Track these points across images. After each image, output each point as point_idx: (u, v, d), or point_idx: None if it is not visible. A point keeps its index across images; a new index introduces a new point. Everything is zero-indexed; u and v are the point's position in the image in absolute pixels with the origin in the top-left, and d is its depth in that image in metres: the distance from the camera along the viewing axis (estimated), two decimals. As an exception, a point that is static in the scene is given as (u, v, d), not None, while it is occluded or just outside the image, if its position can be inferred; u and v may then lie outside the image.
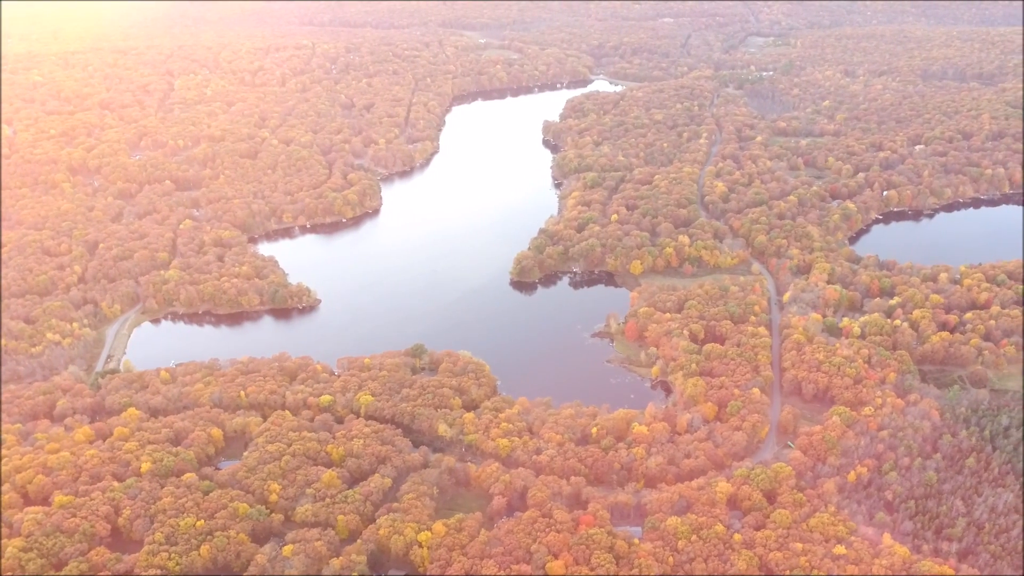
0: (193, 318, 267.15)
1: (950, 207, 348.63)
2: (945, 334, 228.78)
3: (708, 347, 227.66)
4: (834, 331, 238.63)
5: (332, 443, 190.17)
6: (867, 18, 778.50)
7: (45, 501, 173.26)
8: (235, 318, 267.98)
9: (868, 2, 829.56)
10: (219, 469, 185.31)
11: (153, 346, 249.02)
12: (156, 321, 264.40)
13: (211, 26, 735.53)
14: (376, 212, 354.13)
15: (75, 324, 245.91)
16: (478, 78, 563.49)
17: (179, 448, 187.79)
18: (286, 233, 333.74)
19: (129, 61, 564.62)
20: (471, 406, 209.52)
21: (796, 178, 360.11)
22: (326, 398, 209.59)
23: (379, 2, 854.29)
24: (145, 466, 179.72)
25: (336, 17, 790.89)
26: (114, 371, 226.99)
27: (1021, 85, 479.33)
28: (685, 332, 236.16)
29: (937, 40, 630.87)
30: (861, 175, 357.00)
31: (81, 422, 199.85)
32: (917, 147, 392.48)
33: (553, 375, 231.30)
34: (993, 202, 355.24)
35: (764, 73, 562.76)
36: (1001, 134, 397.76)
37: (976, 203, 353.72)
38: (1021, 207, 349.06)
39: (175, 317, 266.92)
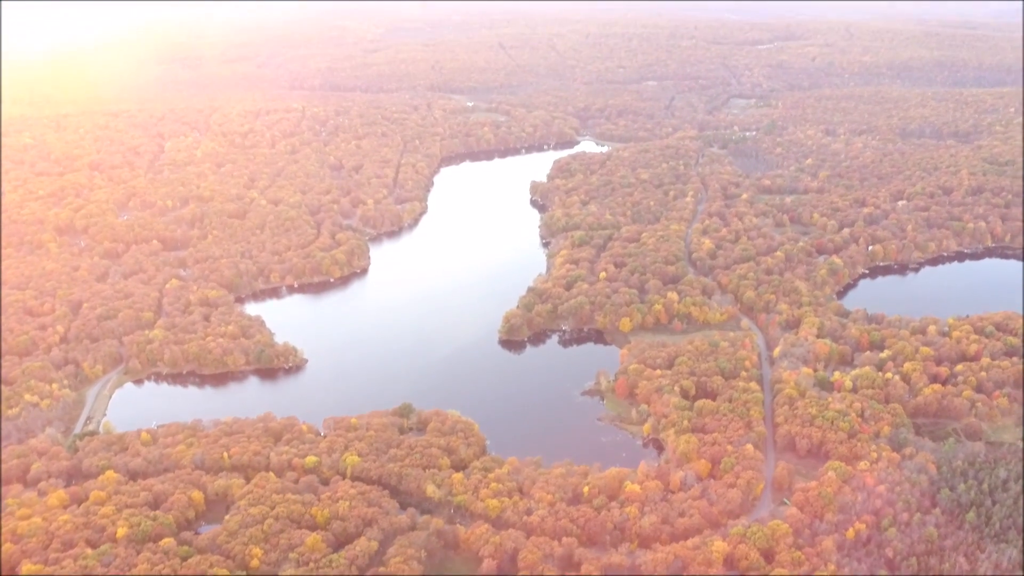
0: (177, 379, 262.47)
1: (935, 260, 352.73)
2: (937, 386, 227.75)
3: (700, 403, 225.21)
4: (826, 385, 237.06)
5: (317, 505, 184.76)
6: (845, 80, 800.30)
7: (13, 571, 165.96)
8: (220, 379, 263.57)
9: (845, 65, 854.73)
10: (199, 533, 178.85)
11: (135, 407, 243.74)
12: (139, 382, 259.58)
13: (203, 90, 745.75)
14: (364, 272, 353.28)
15: (55, 385, 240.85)
16: (466, 140, 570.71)
17: (157, 512, 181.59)
18: (273, 293, 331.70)
19: (121, 123, 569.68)
20: (460, 466, 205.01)
21: (782, 234, 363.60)
22: (311, 459, 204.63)
23: (368, 67, 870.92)
24: (121, 531, 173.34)
25: (326, 81, 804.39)
26: (93, 433, 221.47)
27: (996, 143, 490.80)
28: (676, 388, 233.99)
29: (913, 100, 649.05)
30: (846, 230, 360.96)
31: (56, 486, 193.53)
32: (900, 202, 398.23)
33: (543, 434, 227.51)
34: (976, 255, 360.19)
35: (747, 133, 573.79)
36: (980, 189, 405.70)
37: (960, 256, 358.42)
38: (1004, 260, 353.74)
39: (158, 378, 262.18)
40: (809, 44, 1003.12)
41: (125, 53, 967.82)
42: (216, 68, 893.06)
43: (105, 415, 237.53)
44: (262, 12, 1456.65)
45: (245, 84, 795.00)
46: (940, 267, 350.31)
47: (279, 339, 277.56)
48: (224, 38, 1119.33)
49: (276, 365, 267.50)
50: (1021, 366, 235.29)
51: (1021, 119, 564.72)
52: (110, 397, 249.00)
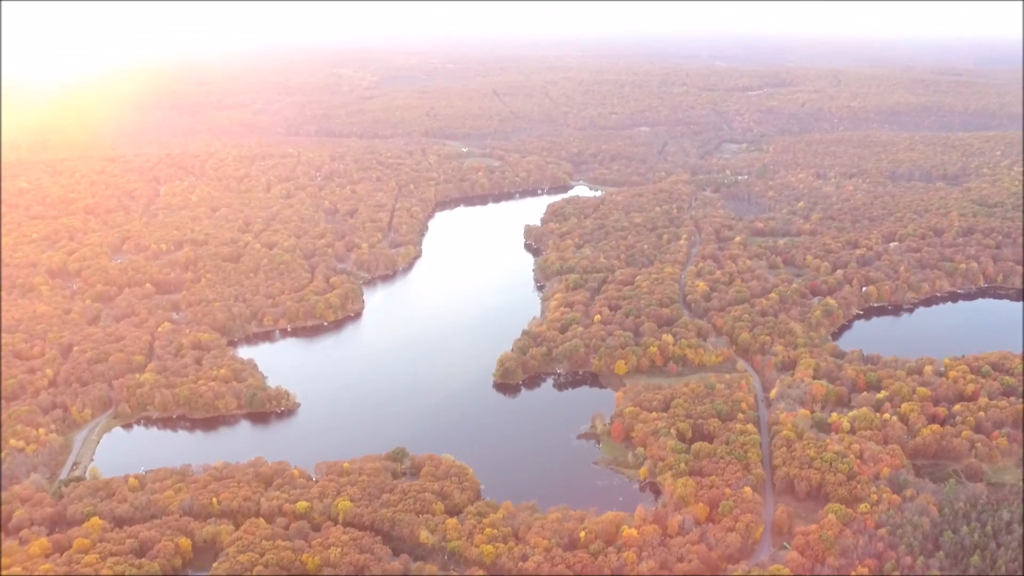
0: (167, 423, 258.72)
1: (928, 301, 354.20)
2: (936, 427, 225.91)
3: (696, 446, 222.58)
4: (823, 427, 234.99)
5: (308, 552, 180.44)
6: (834, 125, 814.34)
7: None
8: (211, 423, 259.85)
9: (834, 110, 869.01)
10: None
11: (123, 452, 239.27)
12: (128, 426, 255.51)
13: (200, 135, 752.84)
14: (358, 315, 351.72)
15: (41, 430, 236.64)
16: (460, 184, 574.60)
17: (143, 560, 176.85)
18: (266, 336, 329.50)
19: (117, 168, 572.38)
20: (454, 511, 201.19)
21: (776, 276, 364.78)
22: (302, 504, 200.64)
23: (364, 113, 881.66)
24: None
25: (322, 128, 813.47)
26: (79, 479, 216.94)
27: (984, 185, 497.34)
28: (672, 431, 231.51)
29: (901, 144, 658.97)
30: (839, 272, 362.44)
31: (39, 534, 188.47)
32: (892, 244, 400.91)
33: (538, 478, 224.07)
34: (970, 295, 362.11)
35: (739, 177, 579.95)
36: (971, 230, 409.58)
37: (953, 297, 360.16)
38: (997, 300, 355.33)
39: (148, 422, 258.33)
40: (798, 90, 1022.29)
41: (123, 95, 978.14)
42: (213, 114, 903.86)
43: (92, 460, 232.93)
44: (260, 61, 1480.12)
45: (242, 130, 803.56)
46: (934, 307, 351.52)
47: (272, 383, 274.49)
48: (221, 85, 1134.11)
49: (268, 409, 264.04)
50: (1019, 406, 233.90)
51: (1008, 162, 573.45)
52: (98, 442, 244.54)
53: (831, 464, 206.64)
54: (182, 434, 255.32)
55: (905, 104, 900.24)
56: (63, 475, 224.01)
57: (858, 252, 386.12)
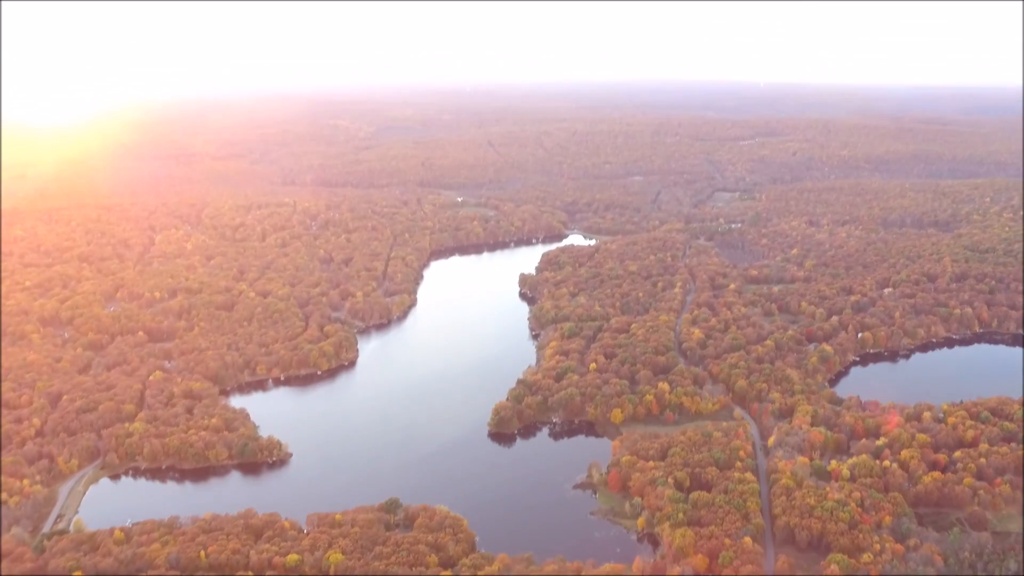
0: (156, 473, 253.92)
1: (924, 347, 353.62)
2: (937, 474, 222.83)
3: (695, 495, 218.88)
4: (823, 474, 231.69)
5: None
6: (825, 173, 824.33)
7: None
8: (201, 473, 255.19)
9: (825, 159, 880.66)
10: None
11: (110, 504, 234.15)
12: (115, 477, 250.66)
13: (196, 185, 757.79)
14: (352, 364, 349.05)
15: (26, 481, 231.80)
16: (455, 233, 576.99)
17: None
18: (259, 385, 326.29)
19: (113, 216, 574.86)
20: (448, 564, 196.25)
21: (771, 323, 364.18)
22: (293, 557, 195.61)
23: (360, 163, 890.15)
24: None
25: (318, 177, 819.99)
26: (63, 532, 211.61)
27: (975, 231, 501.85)
28: (670, 480, 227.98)
29: (892, 192, 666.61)
30: (835, 318, 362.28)
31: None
32: (886, 290, 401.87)
33: (534, 529, 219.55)
34: (965, 341, 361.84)
35: (733, 225, 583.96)
36: (964, 276, 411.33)
37: (949, 342, 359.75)
38: (993, 345, 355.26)
39: (136, 473, 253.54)
40: (789, 140, 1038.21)
41: (121, 143, 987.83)
42: (210, 164, 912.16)
43: (77, 512, 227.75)
44: (257, 112, 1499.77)
45: (238, 179, 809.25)
46: (930, 353, 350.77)
47: (264, 432, 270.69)
48: (218, 135, 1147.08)
49: (259, 459, 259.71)
50: (1021, 452, 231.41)
51: (997, 208, 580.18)
52: (84, 493, 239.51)
53: (832, 513, 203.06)
54: (171, 485, 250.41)
55: (894, 152, 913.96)
56: (46, 528, 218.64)
57: (853, 298, 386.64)
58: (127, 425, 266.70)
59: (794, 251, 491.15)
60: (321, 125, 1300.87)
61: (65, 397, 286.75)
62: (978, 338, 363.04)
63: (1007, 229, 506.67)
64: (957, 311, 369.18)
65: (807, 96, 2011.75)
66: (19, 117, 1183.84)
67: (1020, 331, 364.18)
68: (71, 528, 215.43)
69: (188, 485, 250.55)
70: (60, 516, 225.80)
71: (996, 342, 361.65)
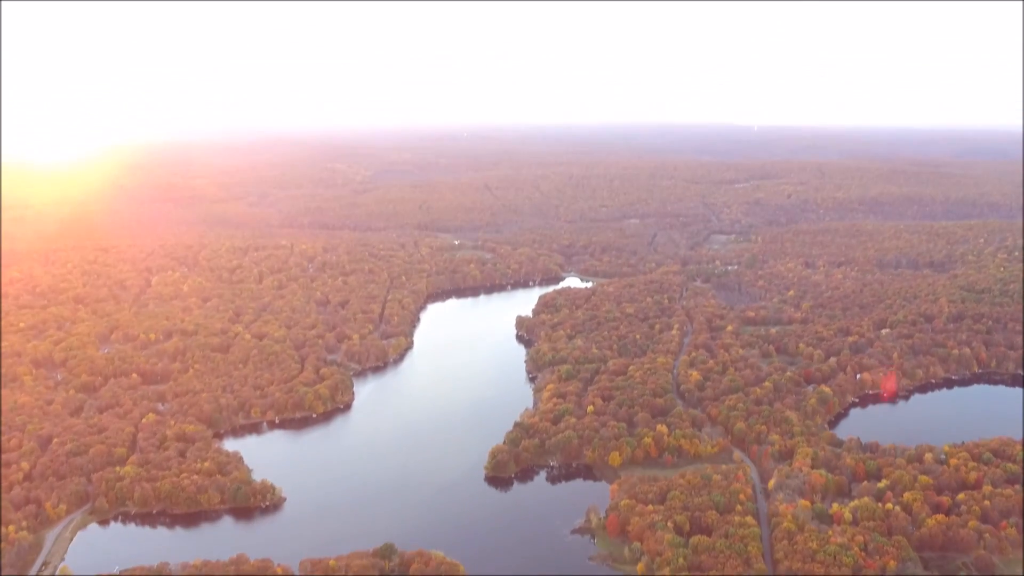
0: (146, 519, 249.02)
1: (923, 388, 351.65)
2: (941, 517, 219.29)
3: (695, 539, 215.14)
4: (824, 518, 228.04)
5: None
6: (820, 215, 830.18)
7: None
8: (192, 518, 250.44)
9: (819, 201, 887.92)
10: None
11: (98, 550, 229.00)
12: (104, 522, 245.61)
13: (194, 227, 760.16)
14: (348, 407, 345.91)
15: (11, 527, 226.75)
16: (452, 276, 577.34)
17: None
18: (254, 428, 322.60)
19: (110, 258, 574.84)
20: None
21: (769, 364, 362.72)
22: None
23: (357, 206, 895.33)
24: None
25: (315, 220, 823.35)
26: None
27: (971, 272, 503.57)
28: (669, 524, 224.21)
29: (887, 233, 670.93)
30: (833, 359, 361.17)
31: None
32: (883, 331, 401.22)
33: (532, 574, 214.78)
34: (964, 381, 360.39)
35: (729, 267, 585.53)
36: (961, 316, 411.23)
37: (948, 383, 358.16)
38: (993, 386, 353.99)
39: (126, 518, 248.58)
40: (784, 183, 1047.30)
41: (120, 186, 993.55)
42: (208, 207, 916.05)
43: (63, 559, 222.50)
44: (255, 155, 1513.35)
45: (236, 221, 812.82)
46: (929, 394, 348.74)
47: (257, 476, 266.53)
48: (216, 178, 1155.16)
49: (252, 504, 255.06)
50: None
51: (992, 249, 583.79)
52: (71, 539, 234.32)
53: (835, 557, 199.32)
54: (161, 530, 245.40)
55: (888, 194, 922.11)
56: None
57: (850, 339, 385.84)
58: (118, 469, 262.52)
59: (791, 293, 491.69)
60: (319, 168, 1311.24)
61: (55, 440, 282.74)
62: (977, 379, 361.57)
63: (1002, 269, 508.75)
64: (955, 352, 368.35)
65: (800, 139, 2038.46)
66: (18, 157, 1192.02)
67: (1019, 371, 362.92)
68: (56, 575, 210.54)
69: (179, 530, 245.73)
70: (46, 563, 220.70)
71: (995, 382, 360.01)
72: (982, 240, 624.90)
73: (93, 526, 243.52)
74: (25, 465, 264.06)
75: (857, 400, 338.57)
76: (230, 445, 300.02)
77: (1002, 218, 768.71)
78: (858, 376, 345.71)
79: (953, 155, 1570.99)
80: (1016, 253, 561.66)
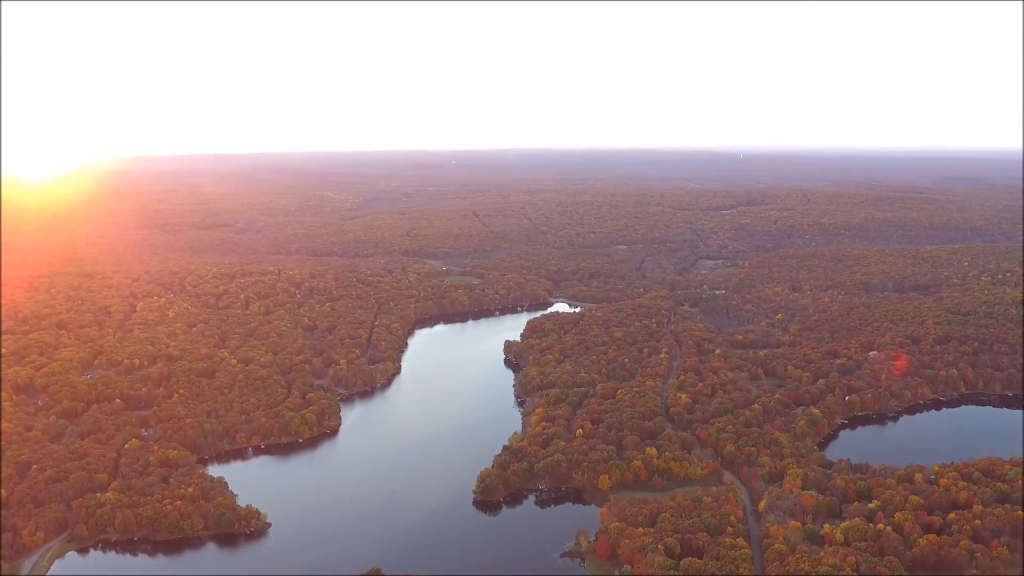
0: (127, 546, 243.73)
1: (912, 409, 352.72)
2: (932, 537, 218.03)
3: (686, 562, 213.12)
4: (816, 539, 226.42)
5: None
6: (806, 240, 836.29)
7: None
8: (175, 545, 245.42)
9: (805, 227, 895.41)
10: None
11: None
12: (83, 551, 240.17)
13: (180, 253, 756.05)
14: (334, 432, 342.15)
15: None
16: (440, 302, 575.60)
17: None
18: (239, 454, 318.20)
19: (94, 284, 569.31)
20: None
21: (758, 387, 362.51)
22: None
23: (345, 233, 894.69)
24: None
25: (303, 247, 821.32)
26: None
27: (956, 294, 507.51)
28: (660, 547, 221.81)
29: (872, 258, 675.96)
30: (821, 381, 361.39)
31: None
32: (871, 353, 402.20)
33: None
34: (952, 402, 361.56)
35: (717, 291, 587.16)
36: (947, 338, 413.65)
37: (936, 404, 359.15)
38: (980, 407, 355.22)
39: (106, 545, 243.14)
40: (770, 208, 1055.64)
41: (105, 212, 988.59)
42: (195, 234, 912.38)
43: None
44: (243, 182, 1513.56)
45: (223, 248, 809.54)
46: (918, 415, 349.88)
47: (242, 501, 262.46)
48: (203, 207, 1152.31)
49: (237, 530, 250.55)
50: (1017, 512, 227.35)
51: (976, 272, 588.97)
52: (48, 568, 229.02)
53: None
54: (142, 558, 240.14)
55: (872, 220, 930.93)
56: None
57: (838, 362, 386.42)
58: (99, 495, 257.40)
59: (778, 316, 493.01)
60: (307, 196, 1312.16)
61: (35, 467, 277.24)
62: (965, 399, 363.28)
63: (986, 292, 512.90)
64: (943, 373, 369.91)
65: (785, 166, 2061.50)
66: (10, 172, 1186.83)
67: (1007, 392, 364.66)
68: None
69: (161, 558, 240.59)
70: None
71: (983, 403, 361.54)
72: (966, 263, 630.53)
73: (72, 554, 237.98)
74: (3, 492, 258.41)
75: (847, 422, 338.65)
76: (215, 471, 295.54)
77: (985, 242, 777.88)
78: (847, 398, 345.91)
79: (934, 181, 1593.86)
80: (1000, 276, 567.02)
